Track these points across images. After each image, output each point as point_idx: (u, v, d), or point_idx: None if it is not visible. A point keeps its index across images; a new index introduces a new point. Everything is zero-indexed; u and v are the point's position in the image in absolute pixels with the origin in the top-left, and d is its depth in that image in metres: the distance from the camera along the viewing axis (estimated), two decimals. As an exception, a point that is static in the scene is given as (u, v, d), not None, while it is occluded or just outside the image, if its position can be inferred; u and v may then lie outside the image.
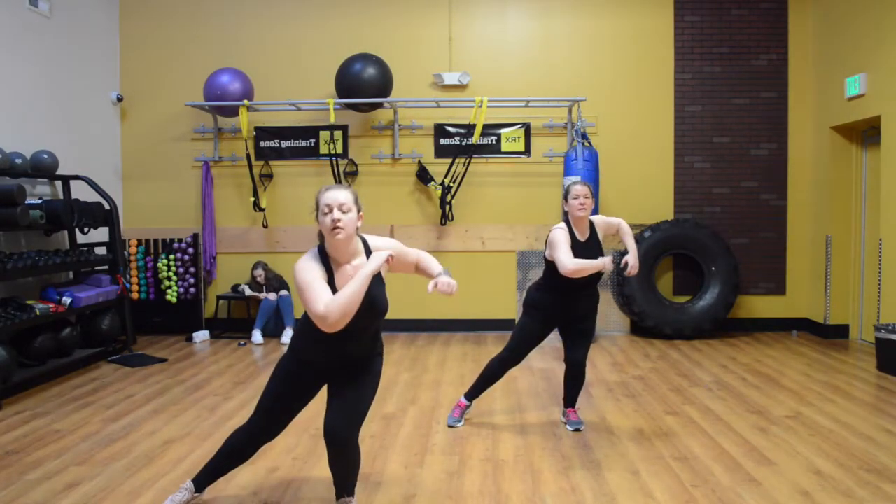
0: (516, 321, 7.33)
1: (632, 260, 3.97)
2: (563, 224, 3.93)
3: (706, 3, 7.25)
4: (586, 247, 3.93)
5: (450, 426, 4.19)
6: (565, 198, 3.95)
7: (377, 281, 2.70)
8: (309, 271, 2.58)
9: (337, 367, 2.80)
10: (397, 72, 7.08)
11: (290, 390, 2.83)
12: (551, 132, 7.32)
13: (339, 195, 2.62)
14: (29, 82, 6.01)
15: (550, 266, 3.94)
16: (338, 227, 2.58)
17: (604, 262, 3.80)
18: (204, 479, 2.99)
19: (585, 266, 3.76)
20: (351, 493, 2.90)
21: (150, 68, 7.43)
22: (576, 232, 3.93)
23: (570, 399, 4.20)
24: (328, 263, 2.67)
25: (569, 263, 3.75)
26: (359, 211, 2.67)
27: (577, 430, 4.09)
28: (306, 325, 2.73)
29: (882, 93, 6.05)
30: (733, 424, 4.20)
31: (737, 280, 6.94)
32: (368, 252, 2.75)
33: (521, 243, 7.34)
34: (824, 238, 6.97)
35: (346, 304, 2.48)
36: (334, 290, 2.60)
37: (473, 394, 4.25)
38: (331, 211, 2.59)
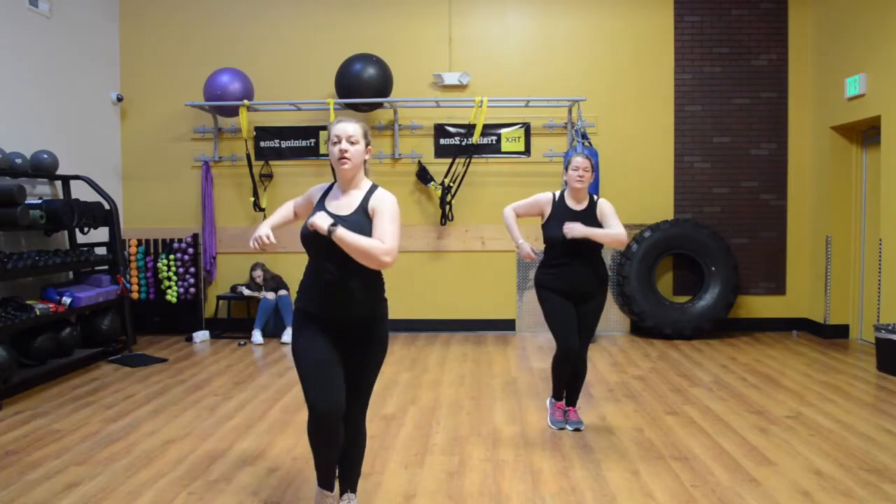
0: (516, 321, 7.36)
1: (577, 228, 3.79)
2: (556, 192, 4.06)
3: (706, 3, 7.25)
4: (576, 215, 3.94)
5: (560, 429, 4.12)
6: (566, 168, 4.01)
7: (359, 211, 2.70)
8: (307, 194, 2.93)
9: (339, 321, 2.70)
10: (397, 72, 7.08)
11: (311, 343, 2.68)
12: (551, 132, 7.32)
13: (349, 127, 2.71)
14: (29, 82, 6.01)
15: (546, 242, 4.02)
16: (344, 158, 2.69)
17: (523, 247, 4.04)
18: (326, 478, 2.83)
19: (509, 228, 4.11)
20: (354, 489, 2.90)
21: (150, 68, 7.43)
22: (569, 201, 4.00)
23: (570, 398, 4.20)
24: (328, 190, 2.84)
25: (507, 209, 4.14)
26: (367, 145, 2.77)
27: (578, 430, 4.10)
28: (305, 271, 2.81)
29: (882, 93, 6.05)
30: (733, 424, 4.20)
31: (737, 280, 6.94)
32: (371, 191, 2.76)
33: (521, 243, 7.34)
34: (824, 238, 6.97)
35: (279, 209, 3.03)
36: (322, 207, 2.76)
37: (558, 393, 4.20)
38: (339, 141, 2.70)
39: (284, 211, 3.01)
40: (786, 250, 7.35)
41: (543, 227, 4.04)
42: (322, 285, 2.68)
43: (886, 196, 6.05)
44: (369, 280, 2.72)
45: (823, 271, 6.99)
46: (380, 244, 2.60)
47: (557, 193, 4.05)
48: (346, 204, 2.75)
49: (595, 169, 4.27)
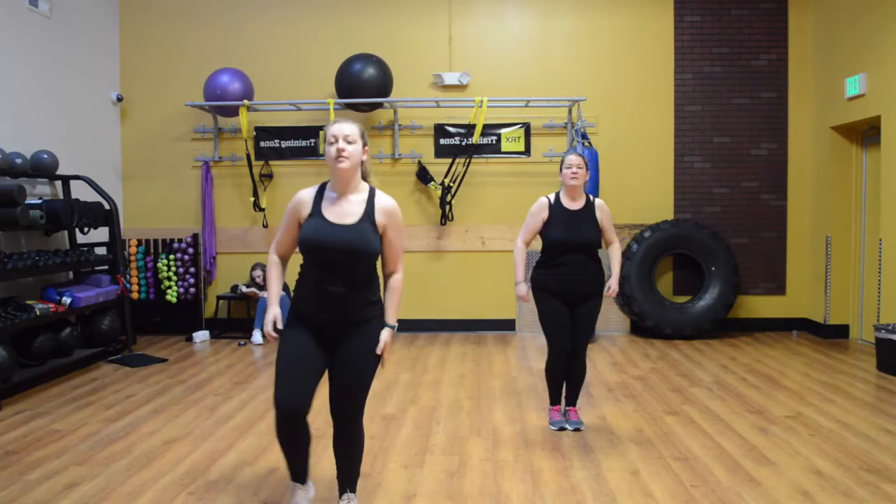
0: (516, 321, 7.36)
1: (613, 284, 4.07)
2: (550, 196, 4.06)
3: (706, 3, 7.25)
4: (574, 215, 3.97)
5: (560, 429, 4.10)
6: (561, 169, 4.03)
7: (365, 220, 2.71)
8: (292, 206, 2.77)
9: (334, 323, 2.73)
10: (397, 72, 7.08)
11: (296, 346, 2.72)
12: (551, 132, 7.32)
13: (346, 127, 2.71)
14: (29, 82, 6.01)
15: (544, 242, 4.04)
16: (342, 157, 2.66)
17: (521, 289, 4.10)
18: (296, 473, 2.89)
19: (516, 265, 4.10)
20: (353, 489, 2.90)
21: (150, 68, 7.43)
22: (565, 201, 4.02)
23: (570, 397, 4.20)
24: (321, 195, 2.76)
25: (518, 242, 4.10)
26: (364, 145, 2.75)
27: (578, 429, 4.09)
28: (301, 272, 2.80)
29: (882, 93, 6.05)
30: (733, 424, 4.20)
31: (737, 280, 6.94)
32: (371, 197, 2.77)
33: (521, 243, 7.34)
34: (824, 238, 6.97)
35: (268, 270, 2.84)
36: (319, 216, 2.70)
37: (555, 398, 4.21)
38: (336, 141, 2.69)
39: (288, 242, 2.83)
40: (786, 250, 7.35)
41: (542, 231, 4.03)
42: (323, 294, 2.68)
43: (886, 196, 6.05)
44: (369, 289, 2.77)
45: (823, 271, 6.99)
46: (398, 282, 2.85)
47: (552, 196, 4.06)
48: (347, 211, 2.72)
49: (590, 168, 4.26)
